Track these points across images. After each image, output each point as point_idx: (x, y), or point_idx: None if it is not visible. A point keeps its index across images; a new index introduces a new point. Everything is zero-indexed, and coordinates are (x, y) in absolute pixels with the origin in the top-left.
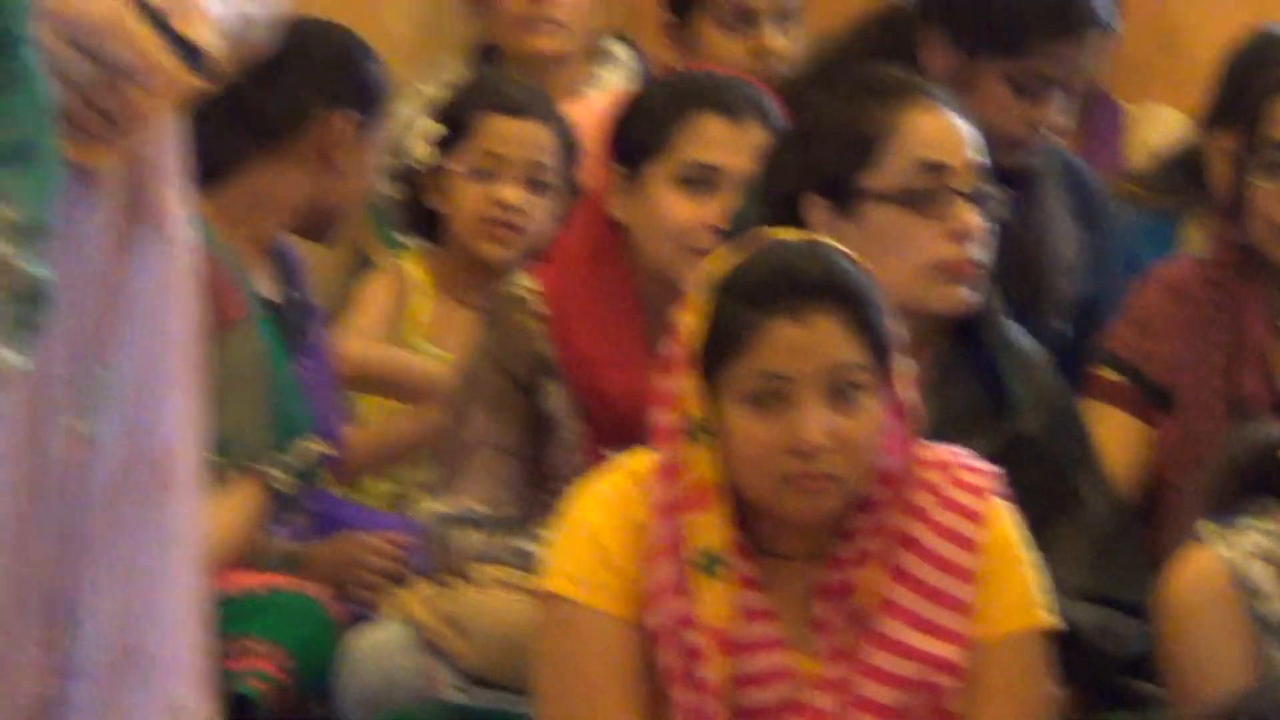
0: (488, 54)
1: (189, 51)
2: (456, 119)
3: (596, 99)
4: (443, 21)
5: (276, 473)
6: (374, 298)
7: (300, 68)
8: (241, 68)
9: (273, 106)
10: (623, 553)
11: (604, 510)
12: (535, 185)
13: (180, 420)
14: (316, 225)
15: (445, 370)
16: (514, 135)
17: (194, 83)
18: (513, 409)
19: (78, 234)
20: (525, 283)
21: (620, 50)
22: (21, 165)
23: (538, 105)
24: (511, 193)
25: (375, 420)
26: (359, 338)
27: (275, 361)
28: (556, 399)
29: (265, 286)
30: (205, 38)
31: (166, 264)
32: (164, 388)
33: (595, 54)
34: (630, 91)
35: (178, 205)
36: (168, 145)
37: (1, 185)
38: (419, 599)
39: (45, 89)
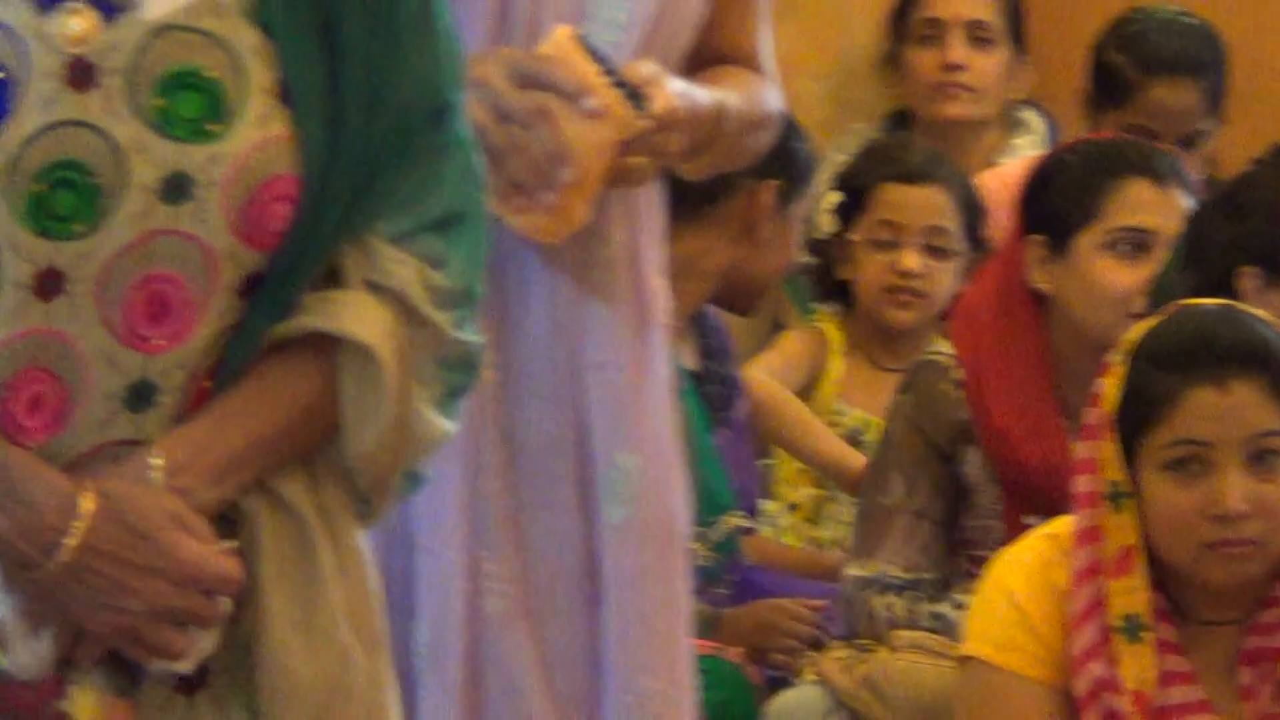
0: (900, 120)
1: (631, 92)
2: (855, 189)
3: (1010, 167)
4: (855, 89)
5: (697, 547)
6: (790, 346)
7: None
8: (727, 164)
9: None
10: (1044, 617)
11: (1025, 575)
12: (936, 251)
13: (682, 496)
14: (738, 296)
15: (838, 450)
16: (911, 202)
17: (633, 121)
18: (931, 474)
19: (591, 321)
20: (945, 349)
21: (1033, 118)
22: (453, 233)
23: (934, 169)
24: (912, 260)
25: (787, 474)
26: (765, 372)
27: (697, 434)
28: (975, 465)
29: (687, 357)
30: (657, 94)
31: (661, 346)
32: (671, 467)
33: (1009, 122)
34: (1042, 160)
35: (661, 284)
36: (654, 226)
37: (434, 252)
38: (836, 663)
39: (476, 157)
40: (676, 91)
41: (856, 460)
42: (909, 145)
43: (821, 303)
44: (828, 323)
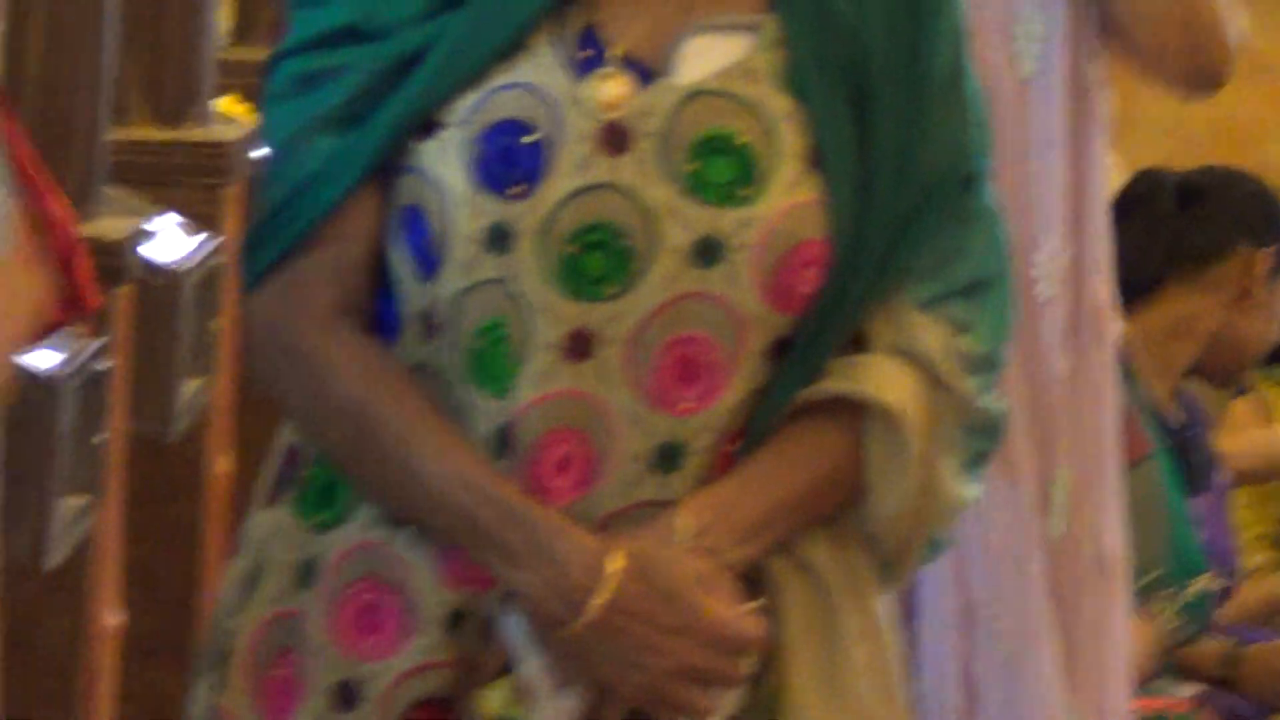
0: None
1: None
2: None
3: None
4: None
5: (1168, 611)
6: (1238, 421)
7: (1225, 202)
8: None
9: (1199, 235)
10: None
11: None
12: None
13: (1120, 526)
14: (1223, 363)
15: None
16: None
17: None
18: None
19: (1042, 336)
20: None
21: None
22: (979, 299)
23: None
24: None
25: (1246, 540)
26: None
27: (1173, 497)
28: None
29: (1173, 417)
30: None
31: (1104, 363)
32: (1105, 490)
33: None
34: None
35: (1109, 301)
36: (1101, 235)
37: (963, 318)
38: None
39: (1003, 224)
40: None
41: None
42: None
43: (1272, 362)
44: (1272, 388)
